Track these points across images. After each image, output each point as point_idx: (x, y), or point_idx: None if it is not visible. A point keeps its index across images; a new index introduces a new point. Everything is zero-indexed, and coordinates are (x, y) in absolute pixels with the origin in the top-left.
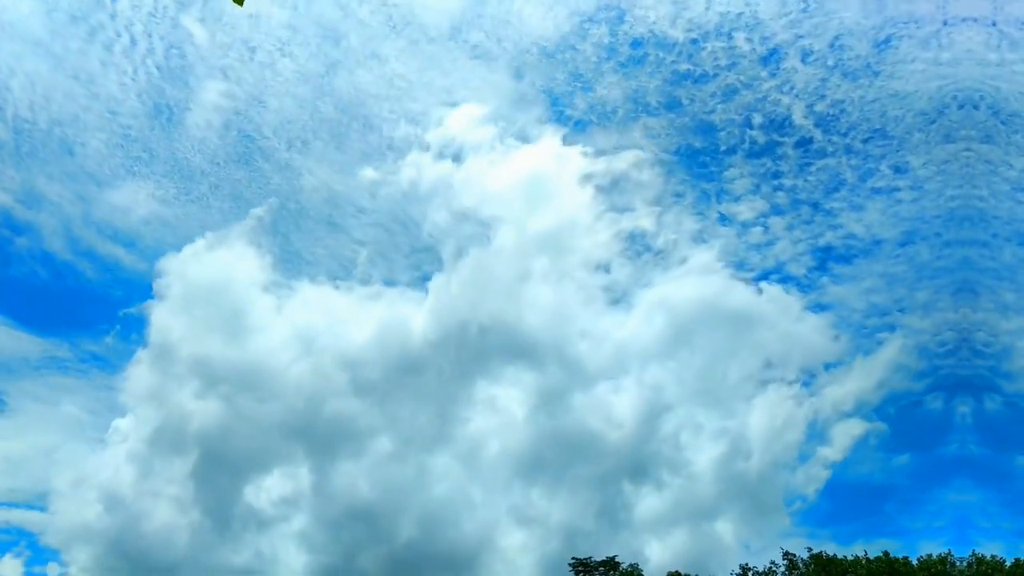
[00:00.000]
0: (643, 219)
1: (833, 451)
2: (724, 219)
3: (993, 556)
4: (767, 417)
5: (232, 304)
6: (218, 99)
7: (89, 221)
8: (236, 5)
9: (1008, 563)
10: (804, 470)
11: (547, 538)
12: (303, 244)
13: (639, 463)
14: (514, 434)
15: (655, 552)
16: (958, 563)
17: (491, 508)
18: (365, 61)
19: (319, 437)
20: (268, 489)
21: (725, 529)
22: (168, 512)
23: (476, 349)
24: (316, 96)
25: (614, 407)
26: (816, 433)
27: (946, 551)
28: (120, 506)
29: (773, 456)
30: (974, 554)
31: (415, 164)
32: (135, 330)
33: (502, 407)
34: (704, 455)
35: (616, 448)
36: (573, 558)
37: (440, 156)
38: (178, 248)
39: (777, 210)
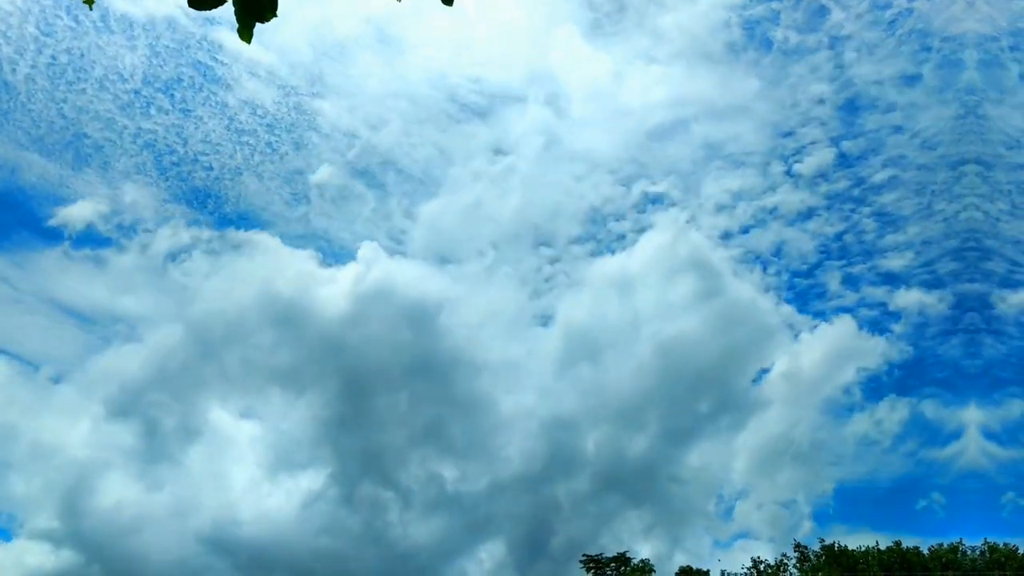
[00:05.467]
0: None
1: None
2: None
3: (1006, 544)
4: None
5: None
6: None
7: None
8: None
9: (1021, 551)
10: None
11: None
12: None
13: None
14: None
15: None
16: (969, 552)
17: None
18: None
19: None
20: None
21: None
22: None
23: None
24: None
25: None
26: None
27: (957, 540)
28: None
29: None
30: (986, 542)
31: None
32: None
33: None
34: None
35: None
36: (584, 555)
37: None
38: None
39: None
